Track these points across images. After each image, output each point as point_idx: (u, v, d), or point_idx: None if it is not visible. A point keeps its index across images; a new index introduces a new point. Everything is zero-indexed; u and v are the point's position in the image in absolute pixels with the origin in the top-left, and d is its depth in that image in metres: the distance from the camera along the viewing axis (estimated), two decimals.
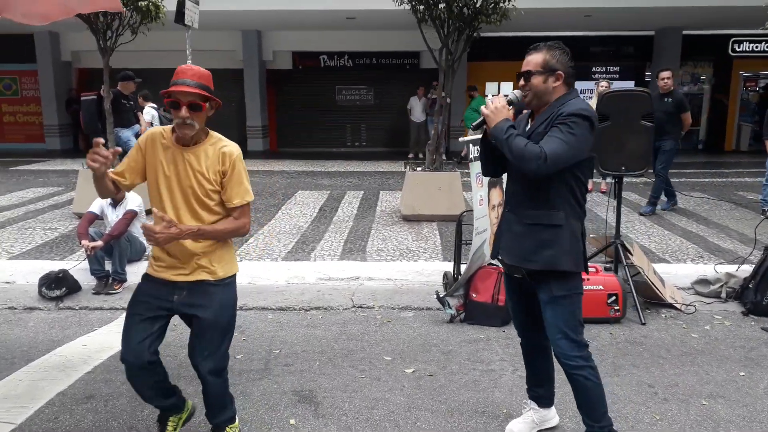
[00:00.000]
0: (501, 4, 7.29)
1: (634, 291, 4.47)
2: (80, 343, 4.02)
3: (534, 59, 2.46)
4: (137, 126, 8.81)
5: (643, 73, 16.40)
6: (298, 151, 16.36)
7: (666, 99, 7.45)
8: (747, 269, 4.88)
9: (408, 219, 7.64)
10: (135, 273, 4.92)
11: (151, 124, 9.27)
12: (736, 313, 4.55)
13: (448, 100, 8.33)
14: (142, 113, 9.26)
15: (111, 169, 2.47)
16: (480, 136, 2.67)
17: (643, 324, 4.30)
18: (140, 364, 2.51)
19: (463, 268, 4.77)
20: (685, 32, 15.20)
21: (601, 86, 8.95)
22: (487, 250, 4.71)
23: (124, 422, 3.01)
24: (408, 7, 7.48)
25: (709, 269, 5.27)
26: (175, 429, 2.76)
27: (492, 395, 3.31)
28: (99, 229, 5.26)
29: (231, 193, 2.48)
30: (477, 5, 7.15)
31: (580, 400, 2.58)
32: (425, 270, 5.52)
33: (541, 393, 2.86)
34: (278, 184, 10.67)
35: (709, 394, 3.31)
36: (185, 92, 2.34)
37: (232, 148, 2.49)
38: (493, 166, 2.71)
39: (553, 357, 2.65)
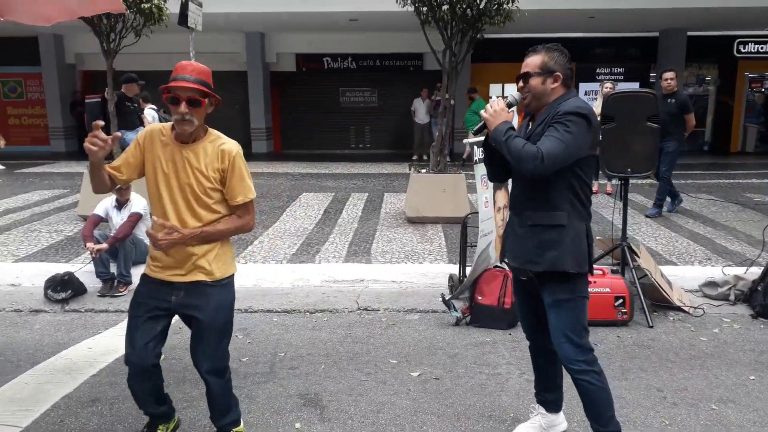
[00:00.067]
0: (504, 6, 7.27)
1: (641, 293, 4.44)
2: (86, 346, 4.01)
3: (532, 61, 2.47)
4: (141, 128, 8.81)
5: (647, 74, 16.35)
6: (302, 153, 16.36)
7: (669, 100, 7.40)
8: (755, 271, 4.84)
9: (412, 221, 7.62)
10: (140, 275, 4.91)
11: None
12: (745, 315, 4.51)
13: (452, 101, 8.31)
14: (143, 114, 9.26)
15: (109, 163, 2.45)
16: (483, 138, 2.65)
17: (651, 327, 4.26)
18: (144, 367, 2.51)
19: (468, 270, 4.75)
20: (689, 33, 15.16)
21: (606, 88, 8.92)
22: (493, 252, 4.69)
23: (129, 425, 2.99)
24: (411, 8, 7.48)
25: (717, 271, 5.23)
26: None
27: (499, 399, 3.28)
28: (104, 231, 5.26)
29: (233, 191, 2.47)
30: (480, 7, 7.14)
31: (587, 405, 2.56)
32: (430, 272, 5.49)
33: (549, 397, 2.83)
34: (282, 186, 10.67)
35: (719, 399, 3.28)
36: (184, 87, 2.33)
37: (231, 145, 2.47)
38: (497, 171, 2.71)
39: None
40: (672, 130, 7.36)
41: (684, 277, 5.23)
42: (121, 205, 5.21)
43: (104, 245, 4.89)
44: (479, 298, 4.38)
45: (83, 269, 5.14)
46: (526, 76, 2.47)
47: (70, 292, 4.81)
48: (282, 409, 3.17)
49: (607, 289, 4.27)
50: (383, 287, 5.15)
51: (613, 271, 4.70)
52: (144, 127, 8.93)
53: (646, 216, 7.90)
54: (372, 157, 15.80)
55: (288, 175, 12.18)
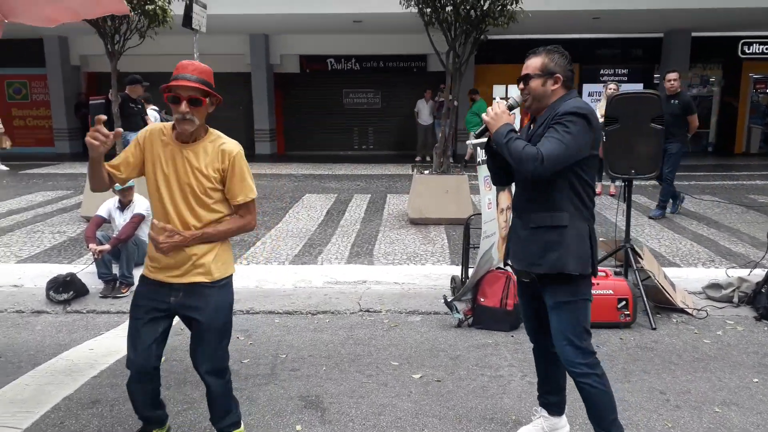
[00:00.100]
0: (508, 7, 7.26)
1: (644, 295, 4.42)
2: (87, 347, 4.01)
3: (533, 63, 2.48)
4: None
5: (651, 75, 16.31)
6: (306, 155, 16.37)
7: (672, 101, 7.35)
8: (759, 273, 4.81)
9: (415, 222, 7.61)
10: (139, 276, 4.91)
11: None
12: (748, 318, 4.49)
13: (456, 103, 8.30)
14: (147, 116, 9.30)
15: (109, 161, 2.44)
16: (485, 140, 2.65)
17: (654, 329, 4.24)
18: (147, 369, 2.51)
19: (470, 272, 4.73)
20: (694, 34, 15.11)
21: (610, 89, 8.90)
22: (495, 253, 4.67)
23: (130, 427, 2.99)
24: (415, 10, 7.47)
25: (720, 273, 5.21)
26: None
27: (501, 401, 3.27)
28: (106, 232, 5.27)
29: (234, 191, 2.46)
30: (484, 8, 7.13)
31: (589, 408, 2.55)
32: (433, 274, 5.48)
33: (551, 400, 2.81)
34: (285, 188, 10.67)
35: (723, 401, 3.25)
36: (185, 87, 2.32)
37: (232, 145, 2.46)
38: (499, 174, 2.71)
39: None
40: (675, 131, 7.32)
41: (687, 279, 5.20)
42: (123, 206, 5.22)
43: (107, 246, 4.89)
44: (482, 299, 4.36)
45: (85, 270, 5.15)
46: (527, 78, 2.48)
47: (72, 293, 4.82)
48: (283, 411, 3.16)
49: (610, 291, 4.24)
50: (385, 289, 5.14)
51: (616, 273, 4.68)
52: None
53: (650, 217, 7.87)
54: (375, 158, 15.80)
55: (291, 176, 12.19)
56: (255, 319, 4.52)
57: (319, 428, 3.00)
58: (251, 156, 15.36)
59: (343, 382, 3.49)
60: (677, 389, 3.39)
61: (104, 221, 5.24)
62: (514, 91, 15.03)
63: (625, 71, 16.46)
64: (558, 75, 2.44)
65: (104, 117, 2.28)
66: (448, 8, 7.15)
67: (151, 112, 9.62)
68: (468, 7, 7.08)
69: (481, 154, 4.69)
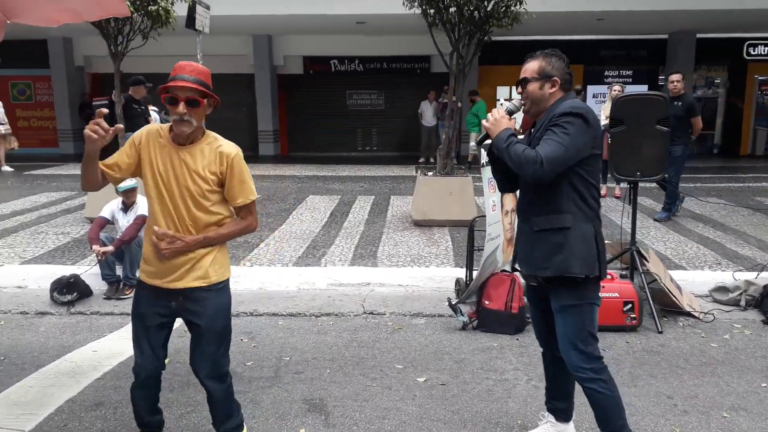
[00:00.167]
0: (512, 8, 7.24)
1: (650, 298, 4.39)
2: (90, 349, 4.00)
3: (530, 67, 2.48)
4: None
5: (656, 77, 16.25)
6: (309, 156, 16.37)
7: (676, 103, 7.27)
8: (767, 276, 4.78)
9: (419, 224, 7.58)
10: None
11: None
12: (756, 321, 4.45)
13: (459, 104, 8.27)
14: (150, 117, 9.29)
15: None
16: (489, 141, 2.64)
17: (660, 332, 4.21)
18: (156, 373, 2.51)
19: (475, 274, 4.71)
20: (699, 35, 15.06)
21: (615, 90, 8.85)
22: (500, 256, 4.65)
23: (133, 430, 2.95)
24: (419, 11, 7.45)
25: (727, 276, 5.17)
26: None
27: (506, 406, 3.24)
28: (110, 234, 5.26)
29: (234, 193, 2.44)
30: (488, 9, 7.10)
31: (596, 413, 2.52)
32: (437, 276, 5.46)
33: (559, 406, 2.78)
34: (289, 189, 10.65)
35: (731, 406, 3.22)
36: (183, 87, 2.29)
37: (230, 147, 2.43)
38: (503, 180, 2.70)
39: None
40: (678, 133, 7.23)
41: (694, 282, 5.17)
42: (127, 207, 5.21)
43: (110, 248, 4.88)
44: (486, 302, 4.34)
45: (89, 272, 5.15)
46: (524, 82, 2.49)
47: (75, 294, 4.81)
48: (287, 415, 3.14)
49: (616, 294, 4.22)
50: (389, 291, 5.11)
51: (621, 276, 4.66)
52: None
53: (655, 220, 7.83)
54: (379, 159, 15.78)
55: (294, 178, 12.17)
56: (258, 321, 4.51)
57: None
58: (255, 157, 15.37)
59: (347, 386, 3.47)
60: (685, 394, 3.36)
61: (108, 222, 5.23)
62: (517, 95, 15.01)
63: (629, 73, 16.41)
64: (555, 78, 2.44)
65: (105, 110, 2.25)
66: (452, 9, 7.12)
67: (152, 113, 9.63)
68: (472, 8, 7.06)
69: (485, 156, 4.68)
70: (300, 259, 6.14)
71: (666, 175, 5.05)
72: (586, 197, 2.41)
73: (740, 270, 5.55)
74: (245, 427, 2.76)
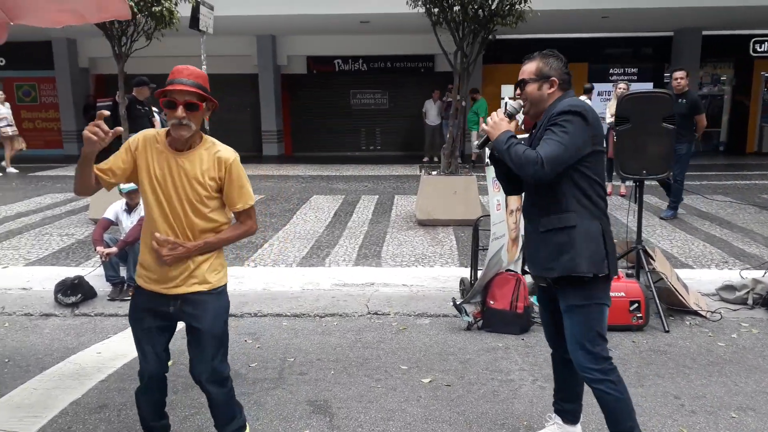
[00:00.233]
0: (517, 6, 7.20)
1: (656, 298, 4.35)
2: (94, 351, 4.00)
3: (528, 68, 2.48)
4: None
5: (662, 74, 16.16)
6: (313, 156, 16.36)
7: (680, 100, 7.21)
8: None
9: (423, 224, 7.56)
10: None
11: None
12: (763, 320, 4.41)
13: (464, 103, 8.26)
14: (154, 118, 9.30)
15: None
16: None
17: (667, 332, 4.17)
18: (160, 376, 2.51)
19: (479, 274, 4.68)
20: (704, 33, 14.97)
21: (620, 88, 8.81)
22: (505, 255, 4.62)
23: None
24: (422, 10, 7.43)
25: (734, 275, 5.13)
26: None
27: (512, 406, 3.22)
28: (114, 235, 5.25)
29: (233, 199, 2.43)
30: (492, 7, 7.07)
31: (605, 414, 2.49)
32: (441, 276, 5.44)
33: (566, 407, 2.76)
34: (293, 189, 10.65)
35: (739, 406, 3.19)
36: (181, 91, 2.27)
37: (228, 152, 2.41)
38: (507, 182, 2.69)
39: None
40: (683, 131, 7.17)
41: (700, 280, 5.13)
42: (131, 208, 5.20)
43: (114, 249, 4.88)
44: (491, 302, 4.31)
45: (93, 273, 5.15)
46: (522, 84, 2.48)
47: (80, 296, 4.81)
48: (291, 416, 3.13)
49: (622, 293, 4.18)
50: (393, 291, 5.09)
51: (627, 275, 4.62)
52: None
53: (661, 218, 7.78)
54: (383, 159, 15.77)
55: (298, 178, 12.16)
56: (262, 322, 4.49)
57: None
58: (259, 157, 15.37)
59: (352, 387, 3.45)
60: (692, 394, 3.33)
61: (111, 224, 5.23)
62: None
63: (634, 70, 16.34)
64: (553, 78, 2.43)
65: (107, 113, 2.22)
66: (456, 8, 7.10)
67: (155, 114, 9.62)
68: (476, 7, 7.03)
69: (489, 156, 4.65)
70: (304, 260, 6.13)
71: (671, 173, 5.01)
72: (590, 195, 2.39)
73: (747, 268, 5.51)
74: (248, 429, 2.75)
